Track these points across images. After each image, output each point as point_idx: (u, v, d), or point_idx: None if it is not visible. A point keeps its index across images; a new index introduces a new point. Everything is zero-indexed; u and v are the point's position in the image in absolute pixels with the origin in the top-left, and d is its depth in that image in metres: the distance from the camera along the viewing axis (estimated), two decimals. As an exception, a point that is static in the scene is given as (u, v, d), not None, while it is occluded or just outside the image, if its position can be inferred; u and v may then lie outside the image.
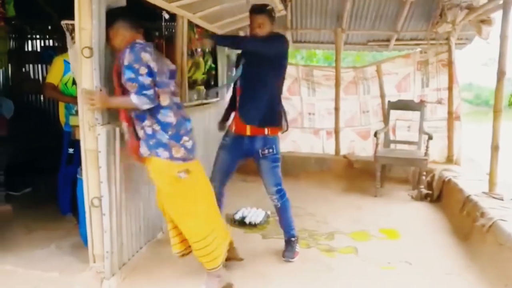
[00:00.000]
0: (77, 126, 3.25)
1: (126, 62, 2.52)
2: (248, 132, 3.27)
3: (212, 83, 5.97)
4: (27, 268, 3.02)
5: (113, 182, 2.82)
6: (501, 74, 4.01)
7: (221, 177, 3.41)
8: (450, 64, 6.07)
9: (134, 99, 2.52)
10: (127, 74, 2.51)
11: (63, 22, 2.78)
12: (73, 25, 2.69)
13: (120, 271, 2.97)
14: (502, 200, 3.92)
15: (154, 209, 3.59)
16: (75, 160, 3.54)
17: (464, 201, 4.15)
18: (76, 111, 3.55)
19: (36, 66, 6.72)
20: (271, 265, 3.30)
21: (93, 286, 2.79)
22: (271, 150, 3.27)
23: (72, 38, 2.74)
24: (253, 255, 3.44)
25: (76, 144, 3.51)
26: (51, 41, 6.84)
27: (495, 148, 4.11)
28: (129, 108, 2.64)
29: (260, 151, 3.27)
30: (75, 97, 3.58)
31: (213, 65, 5.94)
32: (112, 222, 2.83)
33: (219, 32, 5.51)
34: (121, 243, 2.99)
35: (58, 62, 3.85)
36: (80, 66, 2.68)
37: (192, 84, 5.27)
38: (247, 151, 3.34)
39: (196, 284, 2.91)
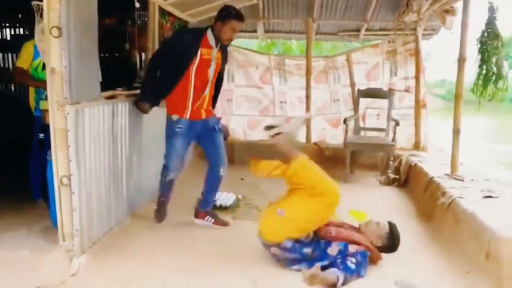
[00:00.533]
0: (48, 110, 3.30)
1: None
2: (203, 116, 3.68)
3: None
4: (-3, 249, 3.02)
5: (82, 161, 2.86)
6: (461, 61, 4.16)
7: (181, 163, 3.85)
8: (417, 53, 6.25)
9: None
10: None
11: (33, 3, 2.79)
12: (42, 5, 2.70)
13: (90, 249, 3.01)
14: (463, 181, 4.09)
15: (125, 190, 3.65)
16: (46, 145, 3.56)
17: (427, 183, 4.31)
18: (47, 96, 3.58)
19: (6, 55, 6.63)
20: (240, 245, 3.37)
21: (63, 264, 2.80)
22: (220, 126, 3.83)
23: (41, 17, 2.75)
24: (222, 237, 3.53)
25: (47, 128, 3.54)
26: (21, 29, 6.76)
27: (456, 131, 4.28)
28: None
29: (216, 127, 3.75)
30: (45, 82, 3.64)
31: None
32: (82, 200, 2.86)
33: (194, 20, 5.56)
34: (91, 222, 3.03)
35: (28, 47, 3.83)
36: (49, 46, 2.70)
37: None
38: (201, 132, 3.74)
39: (166, 263, 2.97)
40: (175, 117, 3.59)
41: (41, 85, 3.76)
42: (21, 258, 2.91)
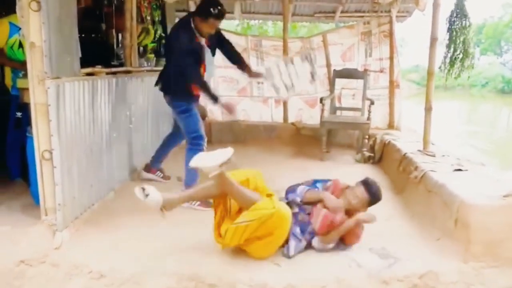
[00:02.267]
0: (25, 88, 3.28)
1: None
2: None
3: (163, 52, 6.01)
4: (-24, 225, 3.03)
5: (63, 136, 2.88)
6: (433, 40, 4.29)
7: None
8: (391, 35, 6.40)
9: None
10: None
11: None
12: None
13: (73, 224, 3.05)
14: (434, 156, 4.25)
15: (106, 166, 3.69)
16: (23, 124, 3.55)
17: (401, 159, 4.47)
18: (23, 74, 3.55)
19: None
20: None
21: (46, 238, 2.84)
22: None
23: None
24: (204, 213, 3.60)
25: (24, 107, 3.53)
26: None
27: (428, 109, 4.42)
28: None
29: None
30: (21, 62, 3.60)
31: (163, 35, 5.98)
32: (64, 175, 2.89)
33: None
34: (73, 197, 3.07)
35: (2, 25, 3.78)
36: (28, 20, 2.69)
37: (143, 52, 5.32)
38: None
39: (147, 237, 3.05)
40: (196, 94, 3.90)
41: (17, 65, 3.73)
42: (2, 232, 2.94)
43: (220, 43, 4.03)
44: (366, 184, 3.01)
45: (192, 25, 3.68)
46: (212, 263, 2.71)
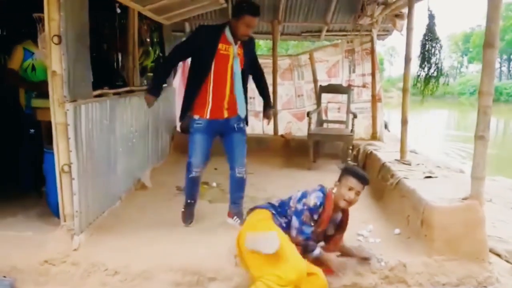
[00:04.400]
0: (39, 108, 3.71)
1: None
2: (225, 115, 3.66)
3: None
4: (2, 230, 3.42)
5: (80, 151, 3.29)
6: (407, 59, 4.78)
7: (204, 160, 3.73)
8: (372, 52, 6.90)
9: None
10: None
11: (35, 15, 3.19)
12: (43, 16, 3.11)
13: (87, 229, 3.44)
14: (410, 165, 4.70)
15: (115, 177, 4.10)
16: (36, 140, 3.95)
17: (380, 168, 4.92)
18: (36, 95, 3.98)
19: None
20: (217, 223, 3.86)
21: (65, 241, 3.22)
22: (242, 125, 3.78)
23: (42, 27, 3.16)
24: (203, 216, 4.01)
25: (36, 125, 3.93)
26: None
27: (404, 121, 4.90)
28: None
29: (235, 126, 3.71)
30: (33, 83, 4.01)
31: (161, 54, 6.41)
32: (80, 185, 3.29)
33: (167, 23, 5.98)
34: (87, 205, 3.46)
35: (18, 50, 4.18)
36: (50, 52, 3.11)
37: (143, 71, 5.75)
38: (222, 131, 3.73)
39: (153, 239, 3.44)
40: (196, 116, 3.61)
41: (31, 87, 4.14)
42: (26, 237, 3.33)
43: (253, 66, 3.81)
44: (352, 171, 3.04)
45: (225, 30, 3.48)
46: (212, 259, 3.11)
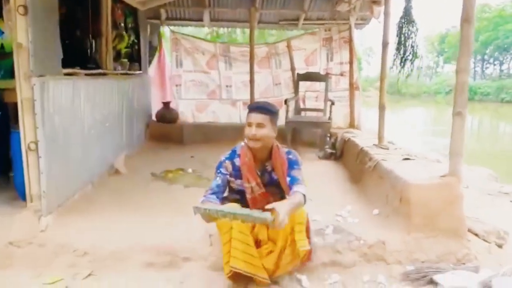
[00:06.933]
0: (5, 89, 3.55)
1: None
2: None
3: (135, 57, 6.31)
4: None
5: (47, 129, 3.14)
6: (385, 44, 4.76)
7: None
8: (350, 41, 6.88)
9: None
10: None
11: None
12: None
13: (56, 211, 3.30)
14: (388, 149, 4.68)
15: (86, 159, 3.96)
16: (3, 123, 3.78)
17: (358, 153, 4.88)
18: (2, 75, 3.80)
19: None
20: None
21: (32, 222, 3.07)
22: None
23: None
24: (176, 199, 3.91)
25: (4, 107, 3.76)
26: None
27: (381, 107, 4.87)
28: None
29: None
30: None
31: (135, 41, 6.27)
32: (48, 164, 3.15)
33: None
34: (56, 186, 3.32)
35: None
36: (16, 23, 2.96)
37: (117, 56, 5.60)
38: None
39: (126, 221, 3.31)
40: None
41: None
42: (-8, 219, 3.17)
43: None
44: (248, 109, 2.79)
45: None
46: (187, 240, 3.00)
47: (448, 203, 3.10)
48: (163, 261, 2.87)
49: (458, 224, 3.11)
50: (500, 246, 3.34)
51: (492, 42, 39.34)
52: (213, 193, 2.72)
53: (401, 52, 4.57)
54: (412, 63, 4.54)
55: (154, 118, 6.86)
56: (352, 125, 6.84)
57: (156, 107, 6.92)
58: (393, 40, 4.66)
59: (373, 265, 2.96)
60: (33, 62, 3.01)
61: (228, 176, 2.82)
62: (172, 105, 6.96)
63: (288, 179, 2.77)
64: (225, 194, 2.88)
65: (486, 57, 45.56)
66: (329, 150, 5.89)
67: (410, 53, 4.53)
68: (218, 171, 2.82)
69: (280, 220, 2.29)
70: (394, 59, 4.62)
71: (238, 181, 2.83)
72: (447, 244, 3.06)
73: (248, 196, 2.82)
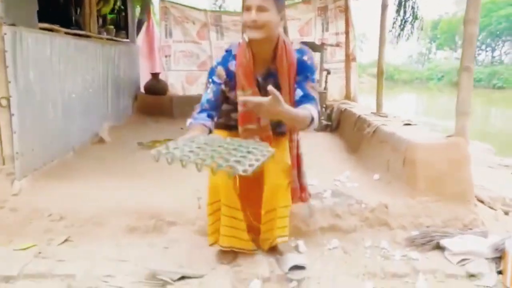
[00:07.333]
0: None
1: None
2: None
3: (122, 25, 6.02)
4: None
5: (22, 84, 2.87)
6: (384, 6, 4.53)
7: None
8: (346, 10, 6.60)
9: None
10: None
11: None
12: None
13: (32, 175, 3.04)
14: (386, 117, 4.45)
15: (66, 124, 3.69)
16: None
17: (355, 121, 4.65)
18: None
19: None
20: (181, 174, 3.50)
21: (4, 186, 2.83)
22: None
23: None
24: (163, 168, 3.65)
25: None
26: None
27: (380, 73, 4.64)
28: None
29: None
30: None
31: (122, 7, 5.97)
32: (22, 123, 2.88)
33: None
34: (32, 148, 3.06)
35: None
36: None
37: (103, 22, 5.30)
38: None
39: (108, 187, 3.08)
40: None
41: None
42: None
43: None
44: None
45: None
46: (172, 204, 2.77)
47: (455, 165, 2.87)
48: (146, 225, 2.63)
49: (465, 187, 2.89)
50: (506, 213, 3.15)
51: (485, 28, 39.14)
52: (202, 111, 2.15)
53: (401, 13, 4.33)
54: (412, 25, 4.31)
55: (142, 90, 6.57)
56: (348, 97, 6.60)
57: (144, 78, 6.63)
58: (392, 1, 4.43)
59: (375, 230, 2.73)
60: (4, 9, 2.73)
61: (222, 86, 2.19)
62: (161, 77, 6.67)
63: (297, 91, 2.12)
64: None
65: (478, 43, 45.40)
66: (324, 122, 5.67)
67: (410, 14, 4.30)
68: (210, 80, 2.21)
69: (276, 103, 1.71)
70: (394, 22, 4.40)
71: (233, 93, 2.20)
72: (453, 209, 2.84)
73: (239, 109, 2.17)
